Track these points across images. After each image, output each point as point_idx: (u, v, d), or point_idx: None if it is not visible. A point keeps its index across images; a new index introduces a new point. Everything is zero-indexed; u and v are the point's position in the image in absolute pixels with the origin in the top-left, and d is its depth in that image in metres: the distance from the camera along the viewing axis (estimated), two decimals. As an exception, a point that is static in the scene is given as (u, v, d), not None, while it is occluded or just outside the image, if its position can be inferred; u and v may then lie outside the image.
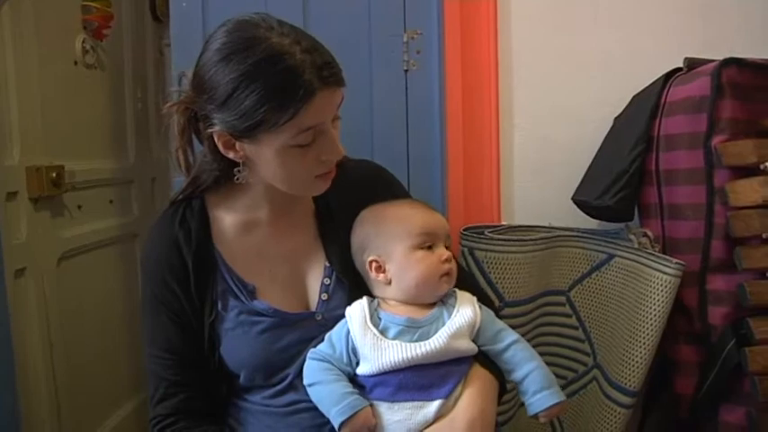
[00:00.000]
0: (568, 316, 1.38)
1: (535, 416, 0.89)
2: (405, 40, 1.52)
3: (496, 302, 1.24)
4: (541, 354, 1.35)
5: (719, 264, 1.19)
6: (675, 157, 1.24)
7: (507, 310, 1.28)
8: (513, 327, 1.25)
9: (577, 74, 1.50)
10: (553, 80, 1.51)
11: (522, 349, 0.92)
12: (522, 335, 1.29)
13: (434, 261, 0.90)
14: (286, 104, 0.80)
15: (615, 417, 1.27)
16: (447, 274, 0.90)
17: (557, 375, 1.37)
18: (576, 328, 1.38)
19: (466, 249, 1.27)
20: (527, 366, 0.90)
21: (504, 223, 1.46)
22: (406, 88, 1.54)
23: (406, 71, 1.54)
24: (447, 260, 0.91)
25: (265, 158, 0.86)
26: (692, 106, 1.22)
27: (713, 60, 1.22)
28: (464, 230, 1.31)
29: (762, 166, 1.13)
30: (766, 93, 1.18)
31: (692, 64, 1.31)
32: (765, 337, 1.13)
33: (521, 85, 1.51)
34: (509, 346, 0.91)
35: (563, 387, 1.38)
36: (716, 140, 1.18)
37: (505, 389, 0.95)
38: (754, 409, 1.15)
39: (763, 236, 1.12)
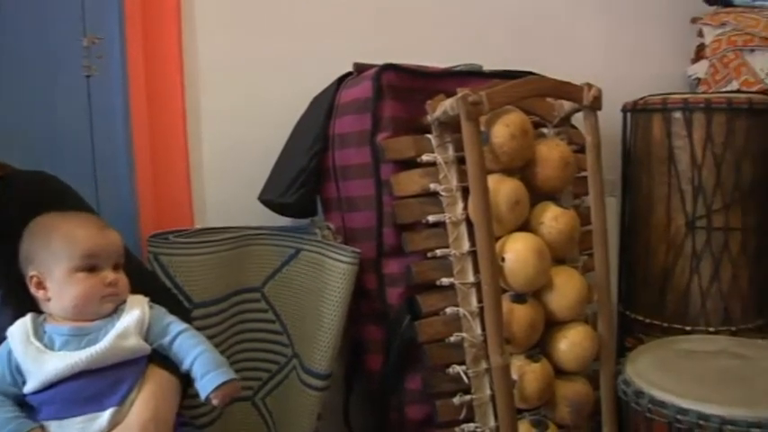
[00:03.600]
0: (265, 311, 1.43)
1: (208, 399, 0.89)
2: (85, 44, 1.44)
3: (186, 305, 1.24)
4: (243, 350, 1.42)
5: (392, 249, 1.32)
6: (348, 154, 1.35)
7: (199, 312, 1.28)
8: (208, 327, 1.29)
9: (263, 77, 1.55)
10: (239, 83, 1.54)
11: (190, 337, 0.93)
12: (219, 333, 1.34)
13: (96, 283, 0.88)
14: None
15: (311, 400, 1.35)
16: (110, 295, 0.89)
17: (260, 369, 1.44)
18: (274, 322, 1.43)
19: (152, 256, 1.25)
20: (194, 352, 0.91)
21: (196, 227, 1.46)
22: (89, 94, 1.46)
23: (88, 77, 1.45)
24: (111, 283, 0.89)
25: None
26: (359, 107, 1.33)
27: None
28: (150, 238, 1.28)
29: (419, 159, 1.28)
30: (422, 94, 1.31)
31: (360, 68, 1.42)
32: (431, 309, 1.27)
33: (208, 88, 1.52)
34: (176, 336, 0.92)
35: (267, 381, 1.44)
36: (380, 137, 1.30)
37: (189, 385, 0.95)
38: (426, 374, 1.29)
39: (423, 221, 1.27)
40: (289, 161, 1.43)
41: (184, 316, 1.00)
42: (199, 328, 0.99)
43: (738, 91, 1.72)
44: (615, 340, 1.66)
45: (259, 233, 1.41)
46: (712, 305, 1.56)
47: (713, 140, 1.52)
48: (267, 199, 1.42)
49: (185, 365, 0.91)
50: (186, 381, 0.94)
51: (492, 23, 1.77)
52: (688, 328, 1.57)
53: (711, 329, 1.56)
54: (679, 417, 1.17)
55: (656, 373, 1.29)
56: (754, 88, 1.71)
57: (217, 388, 0.88)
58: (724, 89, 1.78)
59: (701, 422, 1.15)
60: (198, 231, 1.40)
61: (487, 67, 1.48)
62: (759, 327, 1.61)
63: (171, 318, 0.94)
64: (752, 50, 1.75)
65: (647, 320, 1.63)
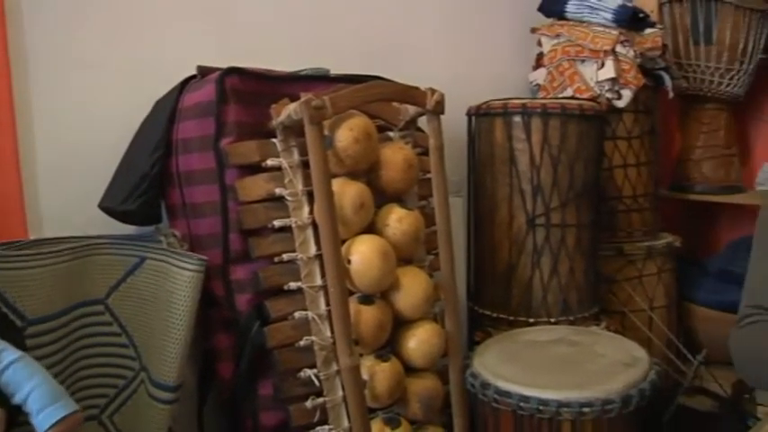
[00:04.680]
0: (109, 324, 1.36)
1: None
2: None
3: (18, 323, 1.16)
4: (87, 366, 1.35)
5: (239, 255, 1.30)
6: (191, 159, 1.32)
7: (36, 328, 1.20)
8: (47, 344, 1.21)
9: (103, 78, 1.48)
10: (77, 84, 1.45)
11: (23, 367, 0.87)
12: (60, 350, 1.26)
13: None
14: None
15: (161, 414, 1.30)
16: None
17: (106, 385, 1.37)
18: (120, 335, 1.37)
19: (-21, 271, 1.16)
20: (27, 385, 0.86)
21: (31, 238, 1.37)
22: None
23: None
24: None
25: None
26: (202, 111, 1.30)
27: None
28: (-23, 252, 1.19)
29: (264, 164, 1.27)
30: (267, 98, 1.30)
31: (203, 71, 1.40)
32: (280, 314, 1.27)
33: (41, 93, 1.42)
34: (8, 366, 0.86)
35: (114, 397, 1.37)
36: (224, 142, 1.28)
37: (15, 418, 0.89)
38: (277, 379, 1.28)
39: (269, 226, 1.26)
40: (130, 167, 1.37)
41: (15, 338, 0.94)
42: (37, 346, 0.94)
43: (572, 97, 1.84)
44: (464, 335, 1.73)
45: (101, 242, 1.35)
46: (552, 297, 1.66)
47: (550, 143, 1.62)
48: (108, 206, 1.36)
49: (18, 398, 0.85)
50: (18, 410, 0.88)
51: (341, 28, 1.79)
52: (531, 320, 1.65)
53: (552, 320, 1.66)
54: (522, 404, 1.23)
55: (501, 365, 1.35)
56: (585, 95, 1.84)
57: (55, 424, 0.83)
58: (560, 95, 1.90)
59: (541, 407, 1.22)
60: (32, 242, 1.31)
61: (336, 71, 1.49)
62: (594, 315, 1.74)
63: (2, 345, 0.88)
64: (583, 60, 1.88)
65: (494, 314, 1.70)
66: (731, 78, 2.12)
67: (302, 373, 1.27)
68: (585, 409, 1.20)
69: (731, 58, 2.09)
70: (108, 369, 1.39)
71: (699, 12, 2.10)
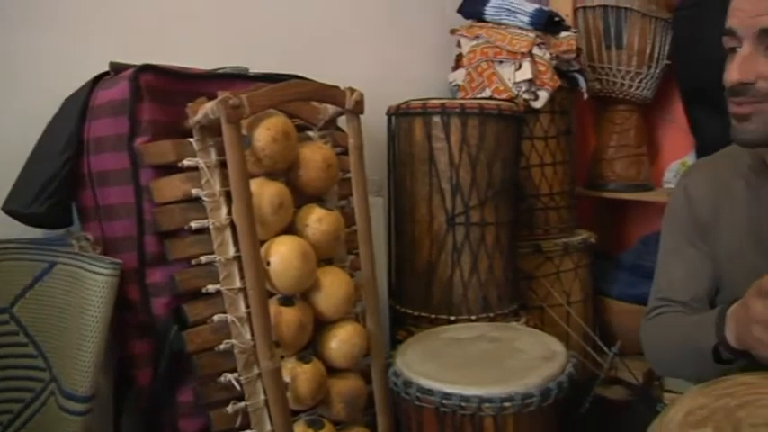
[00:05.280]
0: (15, 334, 1.30)
1: None
2: None
3: None
4: None
5: (155, 257, 1.26)
6: (104, 159, 1.27)
7: (-67, 341, 1.14)
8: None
9: (8, 72, 1.41)
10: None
11: None
12: None
13: None
14: None
15: (72, 427, 1.24)
16: None
17: (11, 400, 1.30)
18: (26, 345, 1.31)
19: None
20: None
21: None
22: None
23: None
24: None
25: None
26: (115, 109, 1.26)
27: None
28: None
29: (180, 164, 1.24)
30: (184, 97, 1.27)
31: (116, 68, 1.35)
32: (198, 318, 1.24)
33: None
34: None
35: (20, 412, 1.31)
36: (138, 141, 1.24)
37: None
38: (197, 384, 1.26)
39: (186, 227, 1.23)
40: (38, 167, 1.31)
41: None
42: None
43: (491, 98, 1.88)
44: (386, 335, 1.74)
45: (6, 247, 1.28)
46: (473, 294, 1.69)
47: (468, 143, 1.65)
48: (13, 209, 1.30)
49: None
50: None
51: (262, 26, 1.76)
52: (452, 318, 1.67)
53: (473, 317, 1.68)
54: (444, 401, 1.25)
55: (423, 363, 1.37)
56: (503, 96, 1.87)
57: None
58: (479, 96, 1.93)
59: (463, 404, 1.24)
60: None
61: (257, 70, 1.47)
62: (514, 311, 1.78)
63: None
64: (501, 62, 1.92)
65: (416, 313, 1.72)
66: (640, 81, 2.21)
67: (222, 378, 1.25)
68: (506, 404, 1.23)
69: (640, 62, 2.19)
70: (13, 383, 1.32)
71: (610, 18, 2.18)
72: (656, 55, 2.19)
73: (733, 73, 0.99)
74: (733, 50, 1.02)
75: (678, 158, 2.30)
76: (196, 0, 1.65)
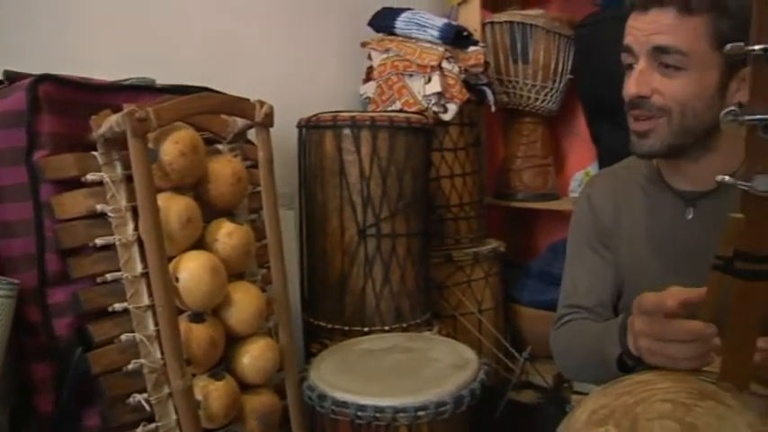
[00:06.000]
0: None
1: None
2: None
3: None
4: None
5: (57, 276, 1.20)
6: (0, 173, 1.21)
7: None
8: None
9: None
10: None
11: None
12: None
13: None
14: None
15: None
16: None
17: None
18: None
19: None
20: None
21: None
22: None
23: None
24: None
25: None
26: (11, 121, 1.20)
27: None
28: None
29: (84, 179, 1.20)
30: (87, 109, 1.23)
31: (11, 77, 1.29)
32: (104, 338, 1.20)
33: None
34: None
35: None
36: (37, 155, 1.19)
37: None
38: (104, 407, 1.21)
39: (90, 244, 1.19)
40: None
41: None
42: None
43: (400, 111, 1.91)
44: (300, 348, 1.73)
45: None
46: (385, 305, 1.70)
47: (379, 155, 1.67)
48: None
49: None
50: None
51: (170, 37, 1.72)
52: (366, 329, 1.68)
53: (387, 328, 1.70)
54: (359, 413, 1.26)
55: (338, 376, 1.37)
56: (413, 109, 1.91)
57: None
58: (390, 108, 1.96)
59: (378, 415, 1.25)
60: None
61: (166, 82, 1.44)
62: (426, 320, 1.80)
63: None
64: (411, 75, 1.96)
65: (330, 326, 1.72)
66: (546, 95, 2.30)
67: (131, 399, 1.21)
68: (420, 413, 1.25)
69: (545, 76, 2.28)
70: None
71: (516, 33, 2.26)
72: (559, 69, 2.29)
73: (631, 87, 1.06)
74: (630, 67, 1.08)
75: (582, 168, 2.41)
76: (101, 8, 1.60)
